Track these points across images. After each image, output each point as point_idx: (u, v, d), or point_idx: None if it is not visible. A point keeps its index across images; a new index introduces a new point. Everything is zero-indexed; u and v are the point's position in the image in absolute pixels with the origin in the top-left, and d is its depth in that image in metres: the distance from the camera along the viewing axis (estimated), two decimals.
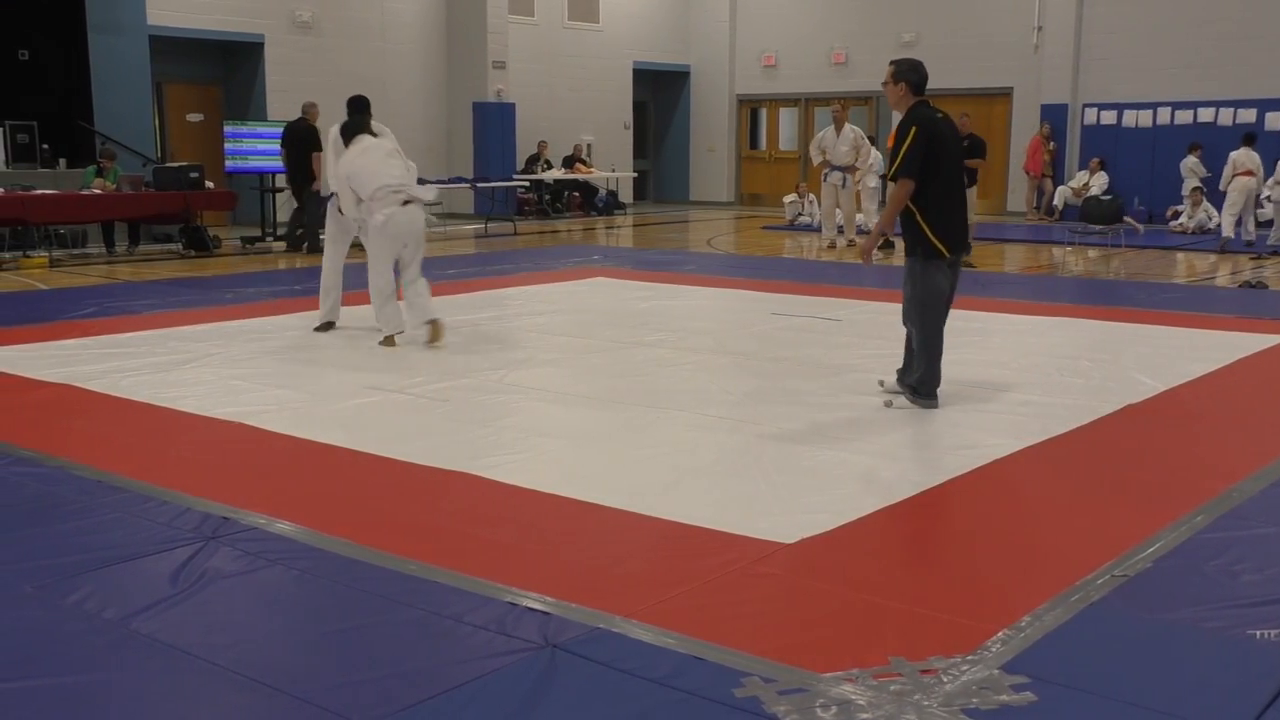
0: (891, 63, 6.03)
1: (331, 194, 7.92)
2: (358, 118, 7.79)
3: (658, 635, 3.25)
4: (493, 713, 2.83)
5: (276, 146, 15.13)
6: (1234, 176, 14.94)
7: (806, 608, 3.51)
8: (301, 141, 13.93)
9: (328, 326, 8.14)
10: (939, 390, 6.01)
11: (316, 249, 13.69)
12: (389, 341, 7.64)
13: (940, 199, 5.84)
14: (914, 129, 5.77)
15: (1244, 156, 14.88)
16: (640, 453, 5.23)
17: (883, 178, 16.51)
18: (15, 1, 14.61)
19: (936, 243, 5.84)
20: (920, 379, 5.99)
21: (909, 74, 5.92)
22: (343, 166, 7.59)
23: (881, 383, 6.30)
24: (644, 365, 7.18)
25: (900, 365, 6.22)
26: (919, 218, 5.83)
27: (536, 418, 5.94)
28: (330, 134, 7.92)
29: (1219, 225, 15.40)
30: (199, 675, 3.03)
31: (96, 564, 3.79)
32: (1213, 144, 17.06)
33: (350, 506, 4.45)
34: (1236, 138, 15.62)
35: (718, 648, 3.16)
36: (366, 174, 7.50)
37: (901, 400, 6.02)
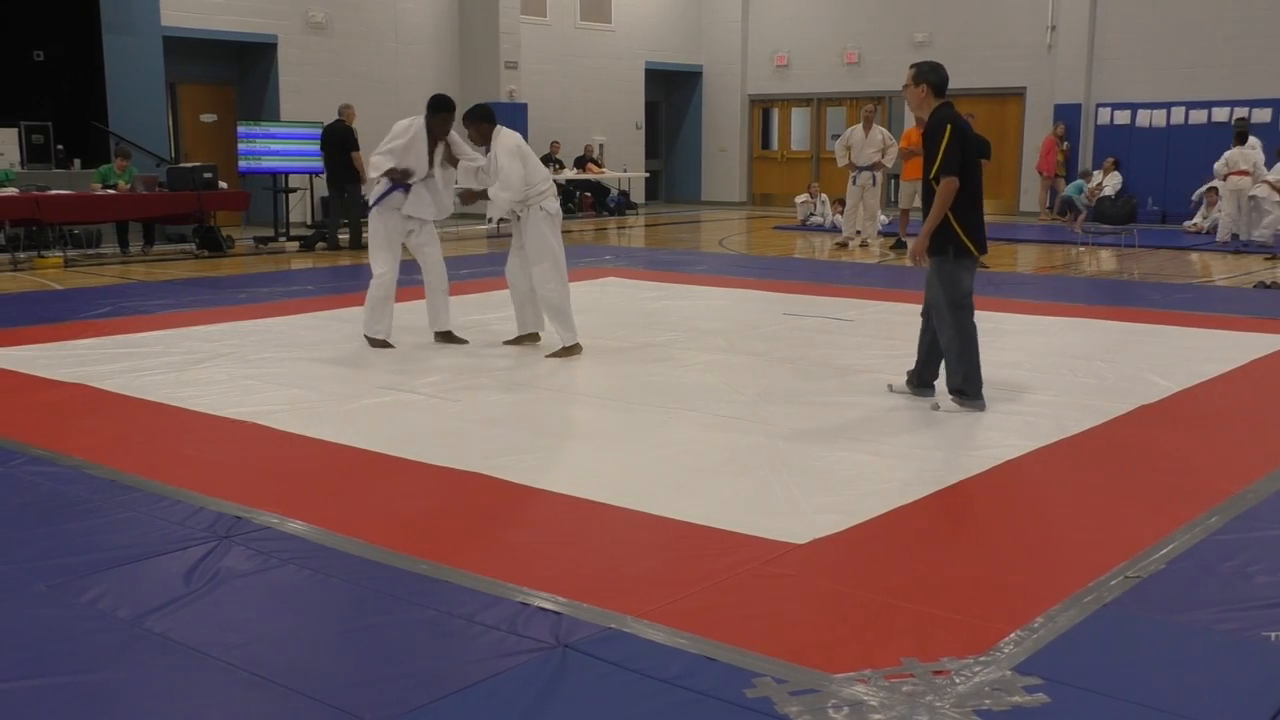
0: (912, 66, 5.98)
1: (386, 192, 7.51)
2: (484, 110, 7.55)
3: (669, 635, 3.25)
4: (504, 712, 2.83)
5: (289, 147, 15.40)
6: (1227, 176, 14.86)
7: (818, 608, 3.50)
8: (341, 142, 14.33)
9: (384, 344, 7.61)
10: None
11: (358, 245, 14.13)
12: (573, 350, 7.37)
13: (969, 198, 5.82)
14: (949, 127, 5.74)
15: (1238, 155, 14.77)
16: (652, 453, 5.23)
17: (892, 177, 16.53)
18: (30, 3, 14.68)
19: (966, 241, 5.82)
20: (964, 380, 5.90)
21: (929, 75, 5.87)
22: (517, 141, 7.35)
23: (890, 386, 6.27)
24: (655, 365, 7.18)
25: (912, 367, 6.20)
26: (950, 217, 5.79)
27: (548, 418, 5.94)
28: (413, 123, 7.51)
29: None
30: (212, 674, 3.04)
31: (110, 563, 3.80)
32: (1226, 144, 16.98)
33: (362, 506, 4.46)
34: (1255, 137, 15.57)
35: (729, 648, 3.16)
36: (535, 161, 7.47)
37: (949, 404, 5.94)
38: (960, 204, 5.79)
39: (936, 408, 5.96)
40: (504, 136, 7.35)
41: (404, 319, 7.94)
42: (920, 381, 6.19)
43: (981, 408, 5.90)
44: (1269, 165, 14.78)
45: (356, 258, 13.77)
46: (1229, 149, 15.04)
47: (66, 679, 3.00)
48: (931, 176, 5.82)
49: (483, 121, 7.41)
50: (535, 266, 7.37)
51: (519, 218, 7.42)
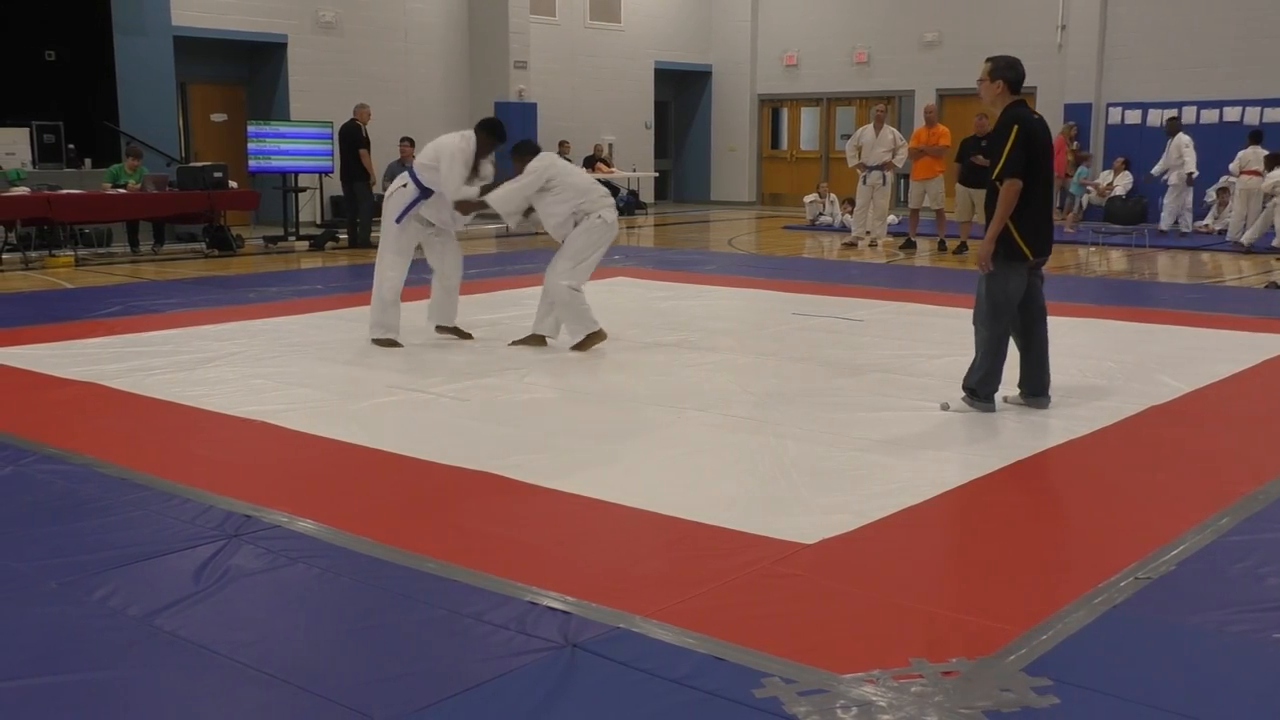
0: (988, 60, 5.84)
1: (412, 203, 7.61)
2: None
3: (678, 635, 3.24)
4: (512, 711, 2.83)
5: (298, 146, 15.56)
6: (1240, 174, 15.01)
7: (827, 608, 3.50)
8: (352, 142, 14.56)
9: (392, 343, 7.67)
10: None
11: (365, 242, 14.32)
12: (597, 338, 7.48)
13: (1030, 200, 5.64)
14: (1016, 127, 5.59)
15: (1251, 155, 14.92)
16: (661, 453, 5.22)
17: (902, 177, 16.50)
18: (41, 3, 14.73)
19: (1021, 243, 5.67)
20: (980, 381, 5.83)
21: (1006, 72, 5.73)
22: (548, 161, 7.62)
23: (1005, 398, 6.02)
24: (665, 365, 7.18)
25: (1019, 378, 5.99)
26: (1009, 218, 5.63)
27: (557, 417, 5.94)
28: (462, 142, 7.62)
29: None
30: (221, 672, 3.05)
31: (120, 561, 3.81)
32: (1239, 143, 16.96)
33: (371, 505, 4.47)
34: (1267, 137, 15.61)
35: (738, 648, 3.16)
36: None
37: (959, 403, 5.87)
38: (1019, 205, 5.62)
39: (946, 407, 5.94)
40: (537, 159, 7.56)
41: (411, 319, 7.93)
42: (1032, 391, 6.00)
43: (991, 410, 5.86)
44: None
45: (367, 256, 13.80)
46: (1243, 149, 15.17)
47: (77, 676, 3.01)
48: (994, 177, 5.68)
49: (529, 155, 7.60)
50: (563, 260, 7.45)
51: (576, 224, 7.52)
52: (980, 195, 13.70)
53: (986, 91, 5.82)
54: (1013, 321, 5.89)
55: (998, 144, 5.68)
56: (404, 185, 7.67)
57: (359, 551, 3.92)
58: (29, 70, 14.77)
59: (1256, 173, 14.75)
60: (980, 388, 5.87)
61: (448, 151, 7.55)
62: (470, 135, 7.66)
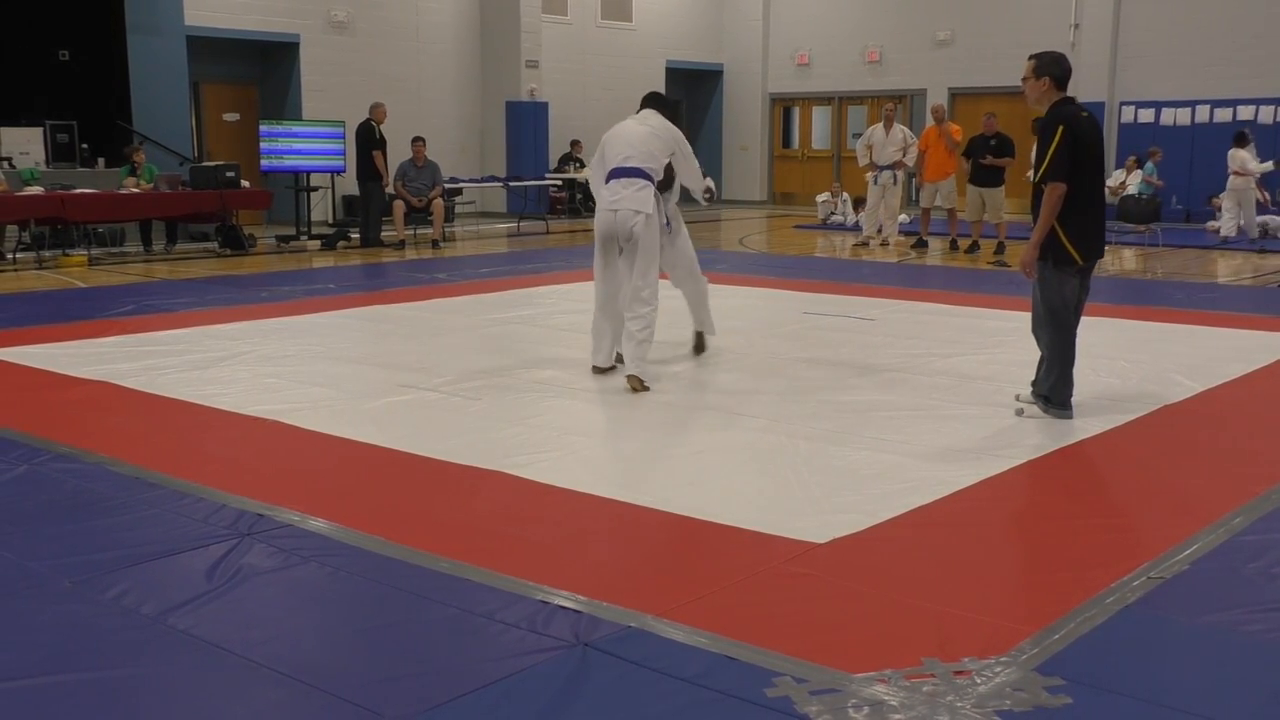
0: (1031, 57, 5.69)
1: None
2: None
3: (689, 634, 3.24)
4: (524, 710, 2.84)
5: (311, 146, 15.68)
6: (1230, 175, 15.22)
7: (838, 608, 3.49)
8: (365, 142, 14.63)
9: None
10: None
11: (376, 242, 14.37)
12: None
13: (1079, 202, 5.49)
14: (1061, 128, 5.42)
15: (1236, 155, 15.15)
16: (672, 451, 5.22)
17: (913, 176, 16.44)
18: (55, 3, 14.79)
19: (1070, 248, 5.53)
20: (1053, 388, 5.72)
21: (1052, 68, 5.57)
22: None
23: (1018, 396, 5.99)
24: (675, 364, 7.17)
25: (1035, 379, 5.92)
26: (1055, 221, 5.51)
27: (568, 416, 5.94)
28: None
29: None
30: (234, 670, 3.06)
31: (134, 560, 3.83)
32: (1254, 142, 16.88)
33: (383, 504, 4.47)
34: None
35: (750, 647, 3.16)
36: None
37: (1034, 411, 5.76)
38: (1069, 209, 5.47)
39: (1021, 413, 5.81)
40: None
41: (421, 318, 7.94)
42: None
43: (1069, 416, 5.69)
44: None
45: (378, 256, 13.83)
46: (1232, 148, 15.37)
47: (90, 675, 3.02)
48: (1037, 180, 5.52)
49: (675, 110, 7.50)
50: (692, 265, 7.46)
51: (670, 226, 7.44)
52: (991, 194, 13.77)
53: (1032, 90, 5.64)
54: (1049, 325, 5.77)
55: (1042, 145, 5.51)
56: (646, 189, 6.91)
57: (371, 550, 3.93)
58: (43, 70, 14.84)
59: (1242, 173, 14.97)
60: (1054, 395, 5.73)
61: (674, 135, 7.09)
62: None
